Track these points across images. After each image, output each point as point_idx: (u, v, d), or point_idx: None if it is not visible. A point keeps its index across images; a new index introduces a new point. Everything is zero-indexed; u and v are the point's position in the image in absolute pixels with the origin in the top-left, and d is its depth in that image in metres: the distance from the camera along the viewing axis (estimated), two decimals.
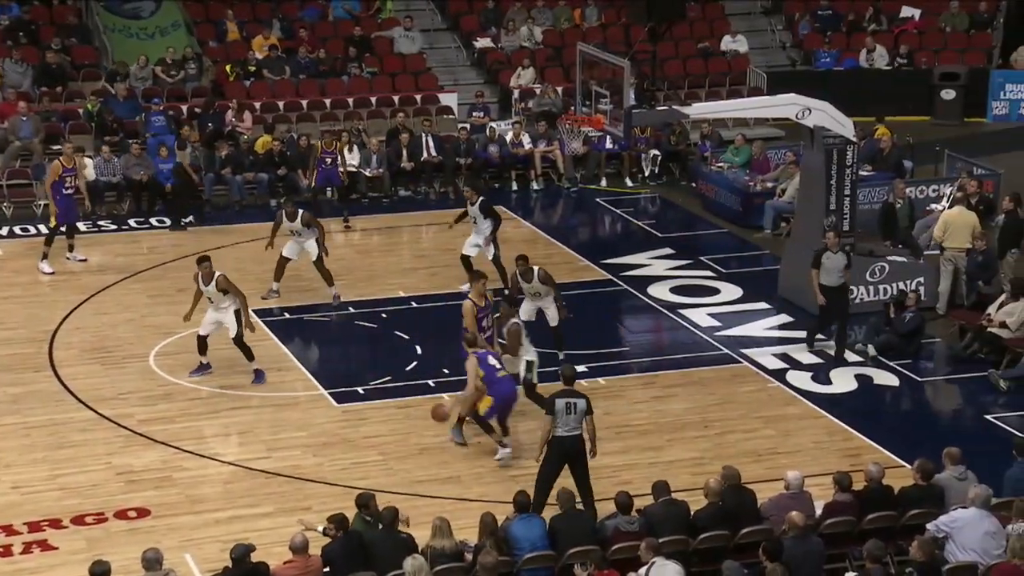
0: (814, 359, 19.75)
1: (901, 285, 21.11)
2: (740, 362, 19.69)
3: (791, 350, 20.03)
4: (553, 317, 18.95)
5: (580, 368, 18.07)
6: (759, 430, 17.67)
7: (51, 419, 17.70)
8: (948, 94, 32.33)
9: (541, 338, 18.70)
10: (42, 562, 14.50)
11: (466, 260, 21.55)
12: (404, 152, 27.38)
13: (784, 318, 21.24)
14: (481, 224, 21.61)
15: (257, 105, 29.16)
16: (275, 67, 30.36)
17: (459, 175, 26.99)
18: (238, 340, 18.62)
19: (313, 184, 25.28)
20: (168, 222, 25.37)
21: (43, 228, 23.61)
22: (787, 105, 21.01)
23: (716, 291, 22.36)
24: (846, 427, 17.74)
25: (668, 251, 24.21)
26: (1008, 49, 33.42)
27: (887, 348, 19.79)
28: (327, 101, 29.84)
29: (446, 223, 22.86)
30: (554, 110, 28.91)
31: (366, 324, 21.01)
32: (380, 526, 13.22)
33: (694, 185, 27.32)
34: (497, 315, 17.95)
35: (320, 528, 13.33)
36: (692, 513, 13.72)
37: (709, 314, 21.38)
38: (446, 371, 18.66)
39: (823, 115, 20.56)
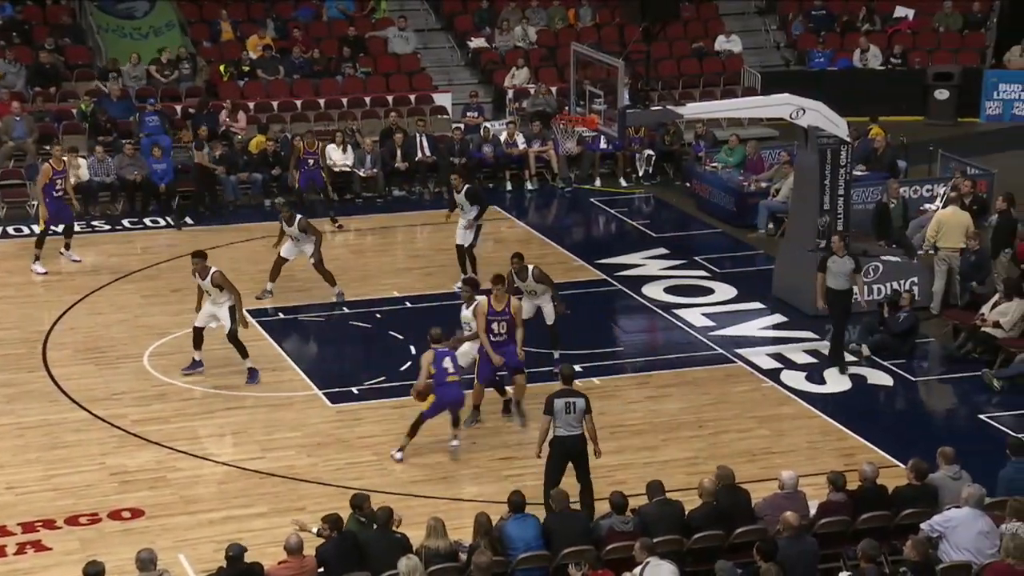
0: (808, 359, 19.76)
1: (895, 285, 21.15)
2: (734, 362, 19.70)
3: (785, 350, 20.04)
4: (550, 315, 18.95)
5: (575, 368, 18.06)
6: (753, 430, 17.68)
7: (45, 419, 17.68)
8: (942, 94, 32.35)
9: (537, 336, 18.71)
10: (36, 563, 14.48)
11: (460, 250, 21.89)
12: (398, 152, 27.38)
13: (778, 318, 21.25)
14: (468, 211, 21.82)
15: (251, 105, 29.14)
16: (269, 67, 30.35)
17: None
18: (232, 336, 18.63)
19: (297, 185, 25.26)
20: (190, 221, 25.42)
21: (36, 229, 23.56)
22: (781, 105, 21.01)
23: (710, 291, 22.37)
24: (840, 427, 17.76)
25: (662, 251, 24.22)
26: (1001, 49, 33.45)
27: (881, 348, 19.81)
28: (321, 101, 29.83)
29: (441, 221, 22.90)
30: (548, 110, 28.90)
31: (360, 324, 21.01)
32: (374, 526, 13.23)
33: (688, 185, 27.33)
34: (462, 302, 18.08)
35: (314, 529, 13.33)
36: (686, 513, 13.73)
37: (703, 314, 21.39)
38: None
39: (817, 115, 20.57)
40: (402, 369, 19.15)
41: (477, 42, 32.56)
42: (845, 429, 17.67)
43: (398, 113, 29.20)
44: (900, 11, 34.22)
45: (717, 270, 23.26)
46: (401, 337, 20.32)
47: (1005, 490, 14.10)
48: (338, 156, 26.98)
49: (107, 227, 25.30)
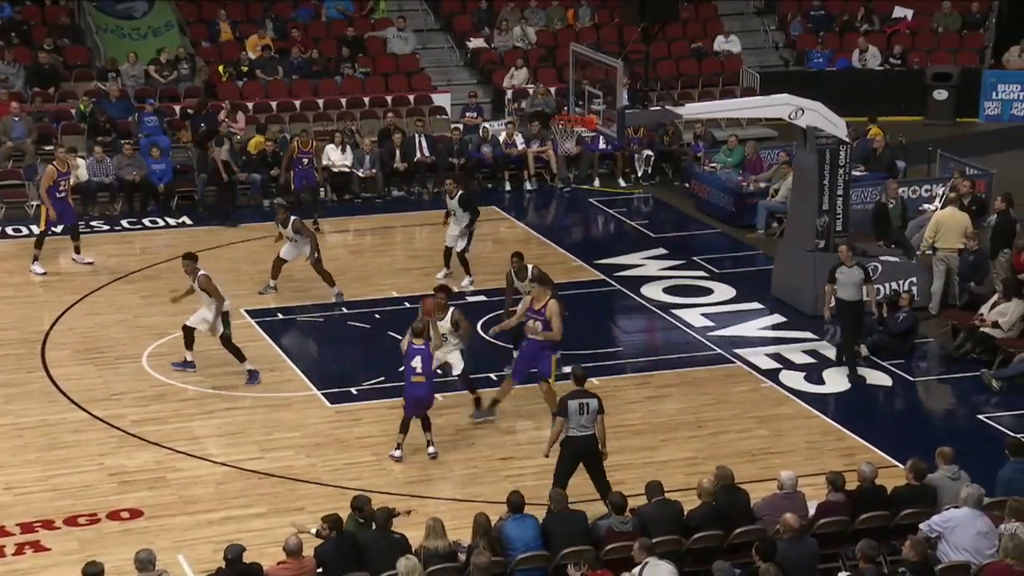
0: (807, 359, 19.77)
1: (894, 285, 21.14)
2: (733, 362, 19.71)
3: (784, 350, 20.04)
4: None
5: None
6: (752, 430, 17.68)
7: (44, 420, 17.68)
8: (940, 94, 32.37)
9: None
10: (35, 563, 14.47)
11: (448, 250, 22.03)
12: (397, 152, 27.38)
13: (777, 318, 21.25)
14: (460, 217, 21.82)
15: (250, 105, 29.14)
16: (268, 67, 30.35)
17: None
18: (225, 340, 18.63)
19: (292, 186, 25.19)
20: (221, 223, 25.36)
21: (35, 229, 23.56)
22: (780, 105, 21.01)
23: (709, 291, 22.36)
24: (839, 427, 17.76)
25: (661, 251, 24.22)
26: (1000, 49, 33.47)
27: (880, 348, 19.80)
28: (320, 101, 29.83)
29: (439, 222, 22.90)
30: (547, 110, 28.92)
31: (359, 324, 21.01)
32: (373, 527, 13.22)
33: (687, 185, 27.33)
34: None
35: (313, 530, 13.33)
36: (686, 513, 13.73)
37: (702, 314, 21.39)
38: (439, 371, 18.62)
39: (816, 115, 20.57)
40: (401, 369, 19.11)
41: (476, 42, 32.56)
42: (844, 429, 17.67)
43: (397, 113, 29.20)
44: (899, 11, 34.24)
45: (716, 270, 23.26)
46: (400, 337, 20.25)
47: (1004, 490, 14.10)
48: (337, 156, 26.98)
49: (106, 227, 25.30)
